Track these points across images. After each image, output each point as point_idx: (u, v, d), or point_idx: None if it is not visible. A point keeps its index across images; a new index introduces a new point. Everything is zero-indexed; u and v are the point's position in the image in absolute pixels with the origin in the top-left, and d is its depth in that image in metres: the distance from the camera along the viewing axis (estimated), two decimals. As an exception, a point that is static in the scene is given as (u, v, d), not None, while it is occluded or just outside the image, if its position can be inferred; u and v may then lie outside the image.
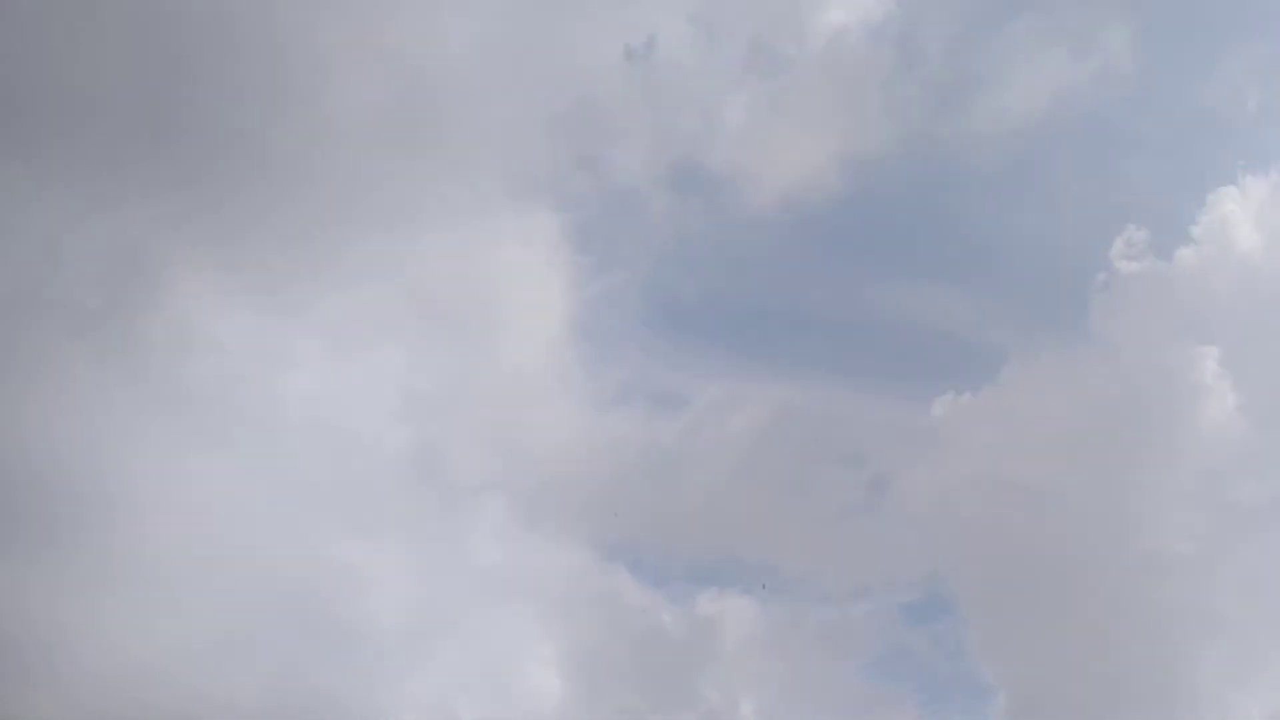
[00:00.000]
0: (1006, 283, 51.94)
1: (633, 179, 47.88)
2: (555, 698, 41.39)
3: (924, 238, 51.91)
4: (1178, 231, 45.18)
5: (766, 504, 47.24)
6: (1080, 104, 48.67)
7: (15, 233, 36.51)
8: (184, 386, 36.53)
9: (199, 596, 34.13)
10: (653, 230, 49.59)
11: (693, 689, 43.53)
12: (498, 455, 43.45)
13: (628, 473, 46.78)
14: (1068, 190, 50.63)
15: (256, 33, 39.15)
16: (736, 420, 49.65)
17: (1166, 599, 38.28)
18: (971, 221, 51.53)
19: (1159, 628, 38.10)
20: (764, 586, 44.99)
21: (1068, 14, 49.31)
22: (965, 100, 49.25)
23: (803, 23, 49.83)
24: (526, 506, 44.40)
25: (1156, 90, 49.52)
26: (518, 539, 43.47)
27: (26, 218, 36.60)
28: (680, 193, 49.63)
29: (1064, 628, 39.12)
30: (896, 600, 48.89)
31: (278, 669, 35.23)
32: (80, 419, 35.64)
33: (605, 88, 46.62)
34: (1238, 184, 44.76)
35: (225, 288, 38.05)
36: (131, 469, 34.90)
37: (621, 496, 45.60)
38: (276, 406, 38.07)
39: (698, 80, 48.08)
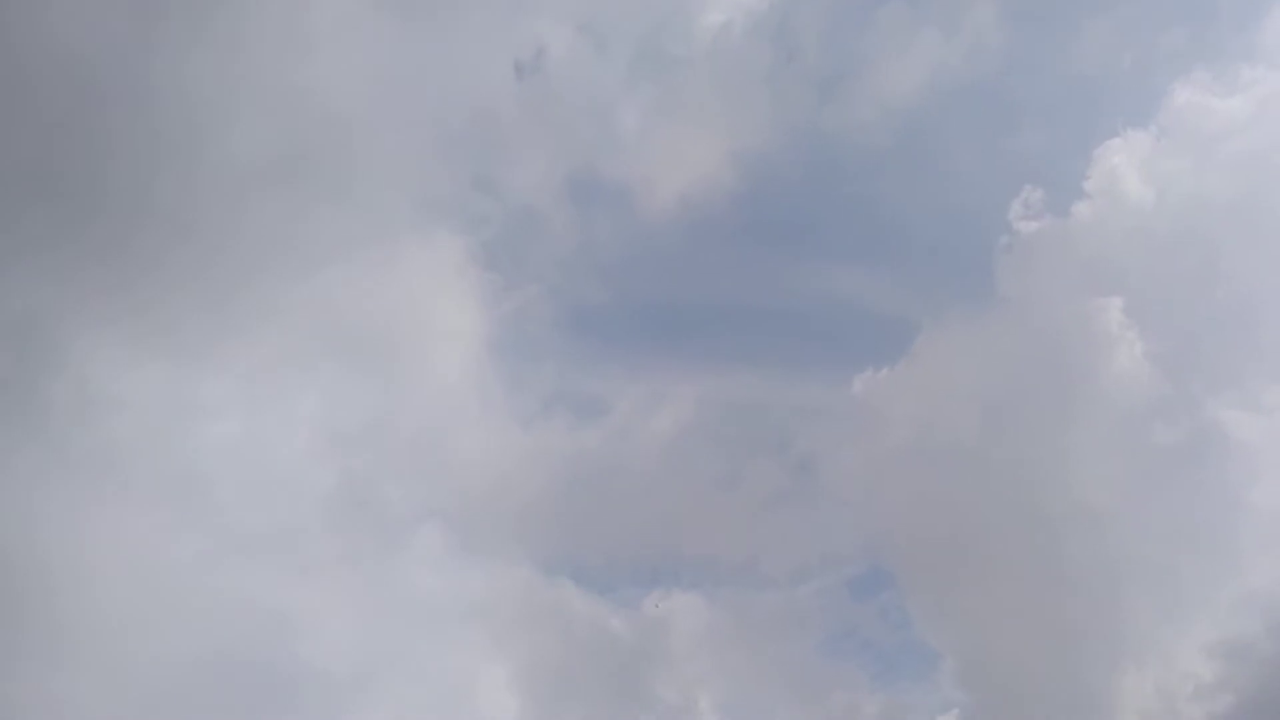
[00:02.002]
0: (911, 257, 52.76)
1: (532, 194, 47.94)
2: (512, 717, 41.23)
3: (825, 223, 52.66)
4: (1072, 188, 46.17)
5: (700, 499, 47.51)
6: (957, 79, 49.69)
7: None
8: (92, 446, 35.80)
9: (128, 658, 33.41)
10: (557, 242, 49.69)
11: (649, 691, 43.61)
12: (427, 482, 43.16)
13: (559, 484, 46.77)
14: (959, 161, 51.61)
15: (141, 80, 38.64)
16: (661, 419, 49.91)
17: (1098, 548, 38.97)
18: (869, 202, 52.36)
19: (1094, 577, 38.77)
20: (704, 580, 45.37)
21: (932, -2, 50.79)
22: (846, 87, 50.07)
23: (689, 22, 50.37)
24: (462, 530, 44.14)
25: (1028, 59, 50.79)
26: (457, 563, 43.20)
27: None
28: (580, 203, 49.81)
29: (1001, 587, 39.77)
30: (838, 579, 49.36)
31: (222, 721, 34.74)
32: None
33: (498, 104, 46.66)
34: (1122, 137, 45.95)
35: (126, 341, 37.33)
36: (38, 531, 34.12)
37: (555, 508, 45.60)
38: (193, 458, 37.43)
39: (589, 89, 48.35)
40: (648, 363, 53.53)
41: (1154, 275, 42.92)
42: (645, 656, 45.00)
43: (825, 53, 49.63)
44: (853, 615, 48.87)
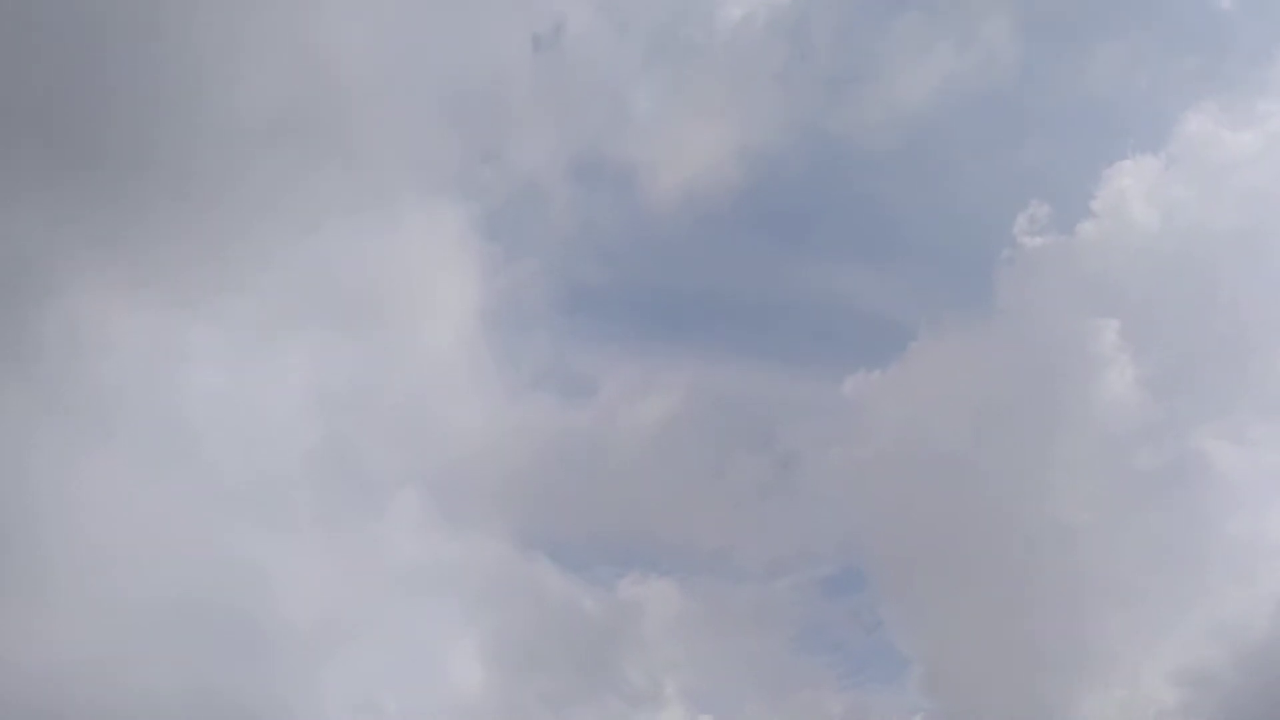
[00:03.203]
0: (912, 262, 52.79)
1: (538, 169, 47.82)
2: (480, 687, 41.40)
3: (827, 222, 52.65)
4: (1079, 206, 46.22)
5: (682, 486, 47.65)
6: (969, 89, 49.68)
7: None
8: (80, 388, 35.68)
9: (103, 601, 33.42)
10: (559, 220, 49.59)
11: (616, 672, 43.84)
12: (411, 448, 43.18)
13: (543, 460, 46.86)
14: (966, 170, 51.64)
15: (153, 29, 38.30)
16: (649, 404, 49.97)
17: (1072, 566, 39.22)
18: (873, 205, 52.37)
19: (1066, 595, 39.03)
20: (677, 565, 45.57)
21: (950, 8, 50.40)
22: (858, 89, 49.92)
23: (710, 12, 50.18)
24: (442, 498, 44.21)
25: (1042, 75, 50.80)
26: (435, 531, 43.30)
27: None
28: (585, 183, 49.69)
29: (975, 598, 40.03)
30: (813, 576, 49.60)
31: (191, 673, 34.66)
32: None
33: (511, 76, 46.45)
34: (1132, 160, 45.99)
35: (122, 288, 37.22)
36: (26, 472, 34.08)
37: (537, 484, 45.68)
38: (178, 406, 37.38)
39: (604, 69, 48.18)
40: (640, 347, 53.57)
41: (1152, 301, 43.08)
42: (615, 638, 45.24)
43: (840, 54, 49.56)
44: (825, 614, 49.17)
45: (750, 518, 48.66)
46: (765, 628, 47.91)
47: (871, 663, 48.50)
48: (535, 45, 46.66)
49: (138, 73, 36.92)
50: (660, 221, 50.36)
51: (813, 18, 48.53)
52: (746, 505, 48.73)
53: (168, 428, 37.17)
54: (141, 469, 36.12)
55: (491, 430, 44.29)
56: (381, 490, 42.58)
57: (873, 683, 47.21)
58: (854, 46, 49.64)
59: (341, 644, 38.98)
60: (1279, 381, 42.17)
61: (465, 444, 43.26)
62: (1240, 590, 39.70)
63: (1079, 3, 49.77)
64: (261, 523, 38.41)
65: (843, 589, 52.92)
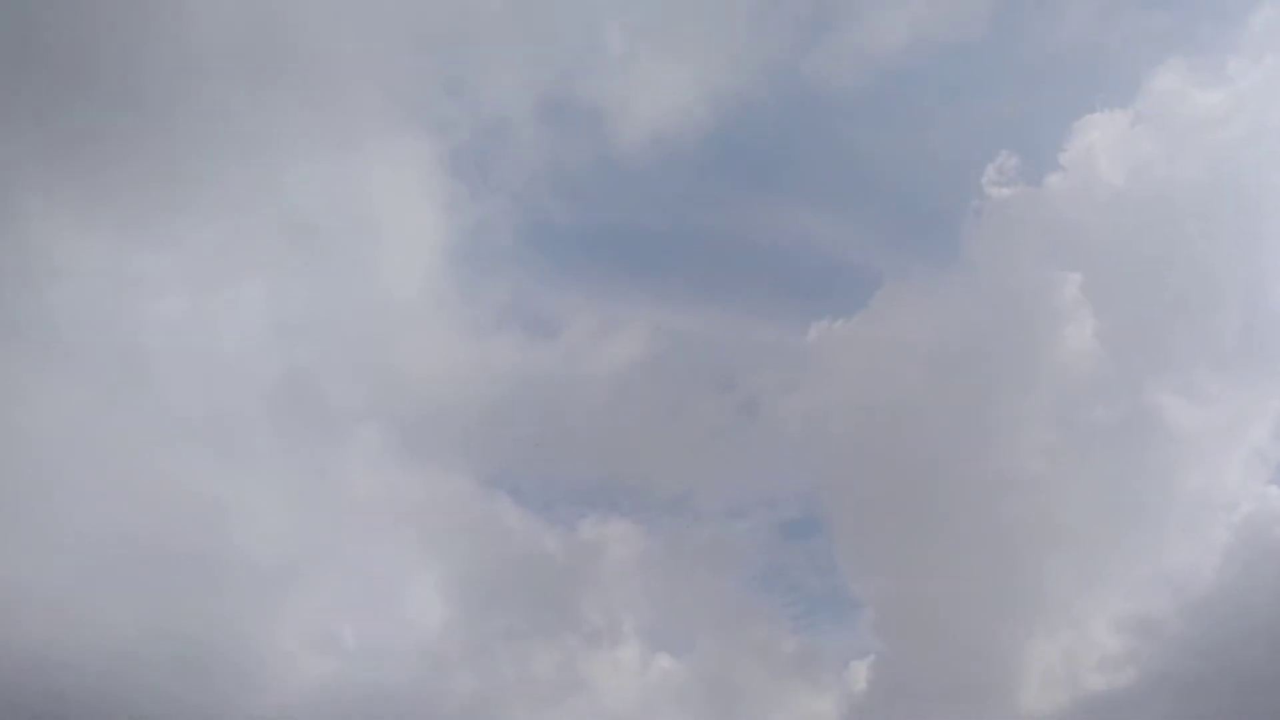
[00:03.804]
0: (880, 210, 52.76)
1: (506, 104, 47.00)
2: (439, 623, 41.57)
3: (796, 167, 52.36)
4: (1047, 159, 46.26)
5: (644, 428, 47.75)
6: (940, 40, 49.22)
7: None
8: (31, 314, 35.11)
9: (54, 532, 33.14)
10: (526, 157, 48.92)
11: (574, 610, 44.19)
12: (372, 384, 42.88)
13: (505, 399, 46.72)
14: (936, 119, 51.46)
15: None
16: (612, 345, 49.86)
17: (1022, 515, 39.79)
18: (842, 151, 52.11)
19: (1015, 543, 39.63)
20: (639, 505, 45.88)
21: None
22: (830, 35, 49.37)
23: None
24: (403, 435, 44.04)
25: (1014, 26, 50.46)
26: (395, 467, 43.18)
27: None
28: (553, 120, 48.96)
29: (928, 543, 40.52)
30: (771, 519, 50.09)
31: (146, 605, 34.50)
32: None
33: (480, 7, 45.49)
34: (1101, 114, 45.99)
35: (84, 218, 36.39)
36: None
37: (499, 422, 45.58)
38: (134, 334, 36.91)
39: (575, 6, 47.17)
40: (605, 288, 53.30)
41: (1114, 256, 43.31)
42: (574, 577, 45.51)
43: (808, 1, 49.07)
44: (781, 556, 49.74)
45: (711, 461, 48.91)
46: (722, 569, 48.42)
47: (825, 605, 49.23)
48: (504, -26, 45.60)
49: (114, 7, 35.96)
50: (628, 162, 49.83)
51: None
52: (707, 448, 48.96)
53: (121, 355, 36.76)
54: (94, 396, 35.68)
55: (454, 368, 44.09)
56: (341, 425, 42.33)
57: (825, 624, 47.99)
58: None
59: (300, 578, 38.97)
60: (1236, 338, 42.71)
61: (427, 381, 43.05)
62: (1188, 542, 40.56)
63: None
64: (219, 455, 38.14)
65: (799, 532, 53.42)
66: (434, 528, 43.54)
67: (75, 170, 37.08)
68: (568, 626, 43.65)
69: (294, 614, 38.60)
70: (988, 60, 50.56)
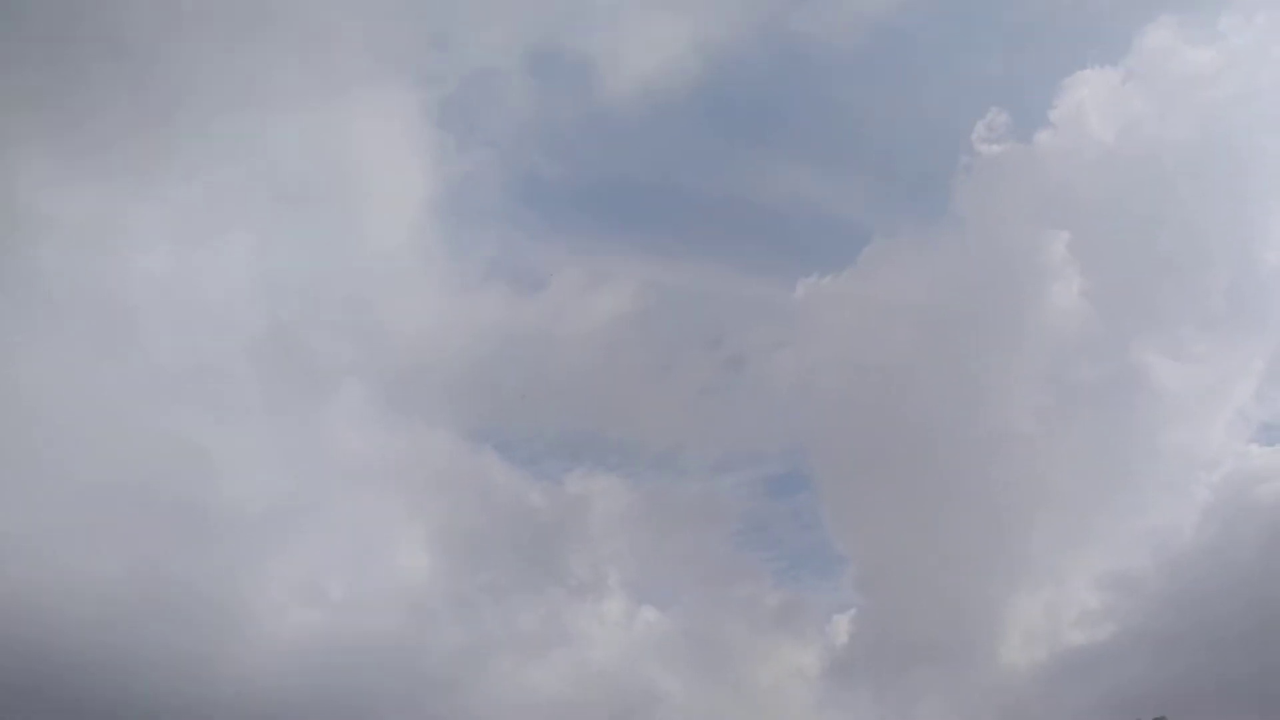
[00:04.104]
0: (870, 166, 52.51)
1: (492, 57, 46.55)
2: (425, 576, 41.78)
3: (786, 122, 52.02)
4: (1038, 115, 46.02)
5: (630, 384, 47.78)
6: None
7: None
8: (17, 265, 34.94)
9: (41, 481, 33.15)
10: (513, 109, 48.56)
11: (561, 564, 44.42)
12: (357, 338, 42.82)
13: (491, 353, 46.67)
14: (927, 75, 51.12)
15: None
16: (599, 300, 49.75)
17: (1006, 473, 40.03)
18: (833, 107, 51.78)
19: (1000, 501, 39.87)
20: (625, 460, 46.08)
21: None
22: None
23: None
24: (389, 389, 44.03)
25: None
26: (381, 422, 43.21)
27: None
28: (541, 73, 48.55)
29: (912, 502, 40.79)
30: (757, 475, 50.29)
31: (133, 554, 34.70)
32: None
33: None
34: (1092, 70, 45.73)
35: (69, 170, 36.07)
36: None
37: (485, 377, 45.56)
38: (123, 287, 36.77)
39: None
40: (592, 243, 53.12)
41: (1102, 215, 43.24)
42: (561, 531, 45.70)
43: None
44: (767, 512, 49.99)
45: (697, 416, 49.00)
46: (708, 524, 48.68)
47: (809, 560, 49.58)
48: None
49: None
50: (616, 115, 49.47)
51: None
52: (694, 404, 49.05)
53: (108, 307, 36.61)
54: (80, 348, 35.63)
55: (440, 322, 44.01)
56: (327, 380, 42.28)
57: (809, 579, 48.36)
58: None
59: (286, 531, 39.09)
60: (1223, 298, 42.74)
61: (412, 335, 42.99)
62: (1169, 500, 40.82)
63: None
64: (203, 408, 38.09)
65: (785, 488, 53.62)
66: (419, 481, 43.63)
67: (60, 123, 36.77)
68: (553, 580, 43.89)
69: (280, 565, 38.75)
70: (979, 17, 50.18)
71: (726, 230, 53.24)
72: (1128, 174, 43.89)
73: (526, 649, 41.04)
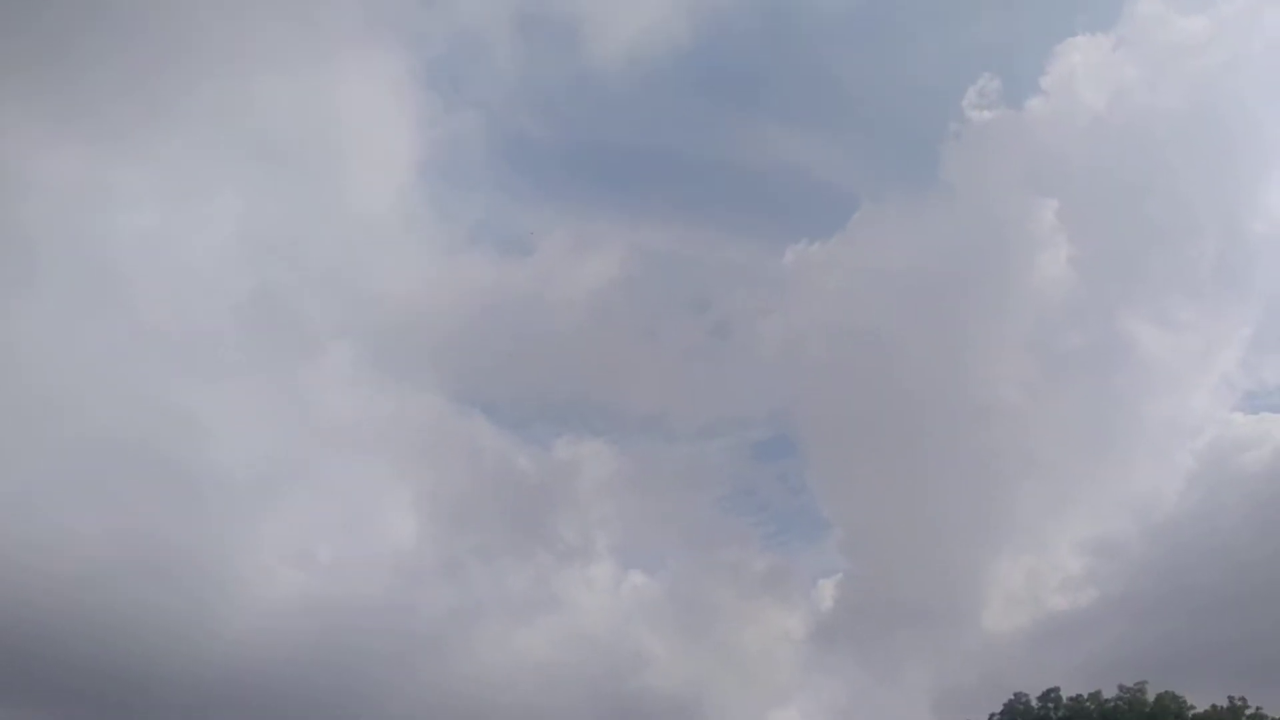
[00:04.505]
0: (860, 131, 52.46)
1: (481, 18, 46.46)
2: (413, 539, 41.94)
3: (775, 86, 51.86)
4: (1029, 82, 45.89)
5: (618, 348, 47.85)
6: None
7: None
8: (10, 227, 34.86)
9: (28, 442, 33.18)
10: (501, 71, 48.42)
11: (549, 528, 44.63)
12: (345, 300, 42.82)
13: (478, 317, 46.69)
14: (919, 40, 50.99)
15: None
16: (588, 264, 49.78)
17: (992, 440, 40.22)
18: (823, 71, 51.64)
19: (984, 467, 40.11)
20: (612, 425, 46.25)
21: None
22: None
23: None
24: (377, 352, 44.06)
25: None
26: (369, 385, 43.25)
27: None
28: (529, 35, 48.37)
29: (898, 466, 40.98)
30: (744, 440, 50.52)
31: (120, 515, 34.73)
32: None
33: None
34: (1082, 37, 45.56)
35: (55, 131, 35.90)
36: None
37: (472, 341, 45.62)
38: (110, 249, 36.69)
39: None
40: (579, 206, 53.13)
41: (1091, 182, 43.15)
42: (549, 495, 45.91)
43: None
44: (754, 477, 50.27)
45: (685, 381, 49.14)
46: (695, 488, 48.94)
47: (795, 524, 49.95)
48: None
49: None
50: (604, 78, 49.28)
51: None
52: (682, 369, 49.17)
53: (94, 268, 36.56)
54: (66, 309, 35.56)
55: (426, 285, 44.01)
56: (315, 342, 42.30)
57: (795, 543, 48.76)
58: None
59: (274, 494, 39.21)
60: (1210, 267, 42.81)
61: (399, 297, 42.99)
62: (1153, 467, 41.08)
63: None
64: (190, 370, 38.11)
65: (772, 453, 53.88)
66: (407, 444, 43.74)
67: (46, 83, 36.50)
68: (541, 544, 44.12)
69: (268, 527, 38.88)
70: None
71: (715, 195, 53.12)
72: (1117, 142, 43.85)
73: (515, 612, 41.33)
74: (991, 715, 29.60)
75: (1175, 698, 27.89)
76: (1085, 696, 28.72)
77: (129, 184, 37.29)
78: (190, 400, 36.98)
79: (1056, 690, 29.18)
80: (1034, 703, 28.99)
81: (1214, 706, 26.84)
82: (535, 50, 47.63)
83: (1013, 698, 29.41)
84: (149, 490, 35.57)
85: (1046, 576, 39.68)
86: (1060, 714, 28.61)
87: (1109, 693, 28.49)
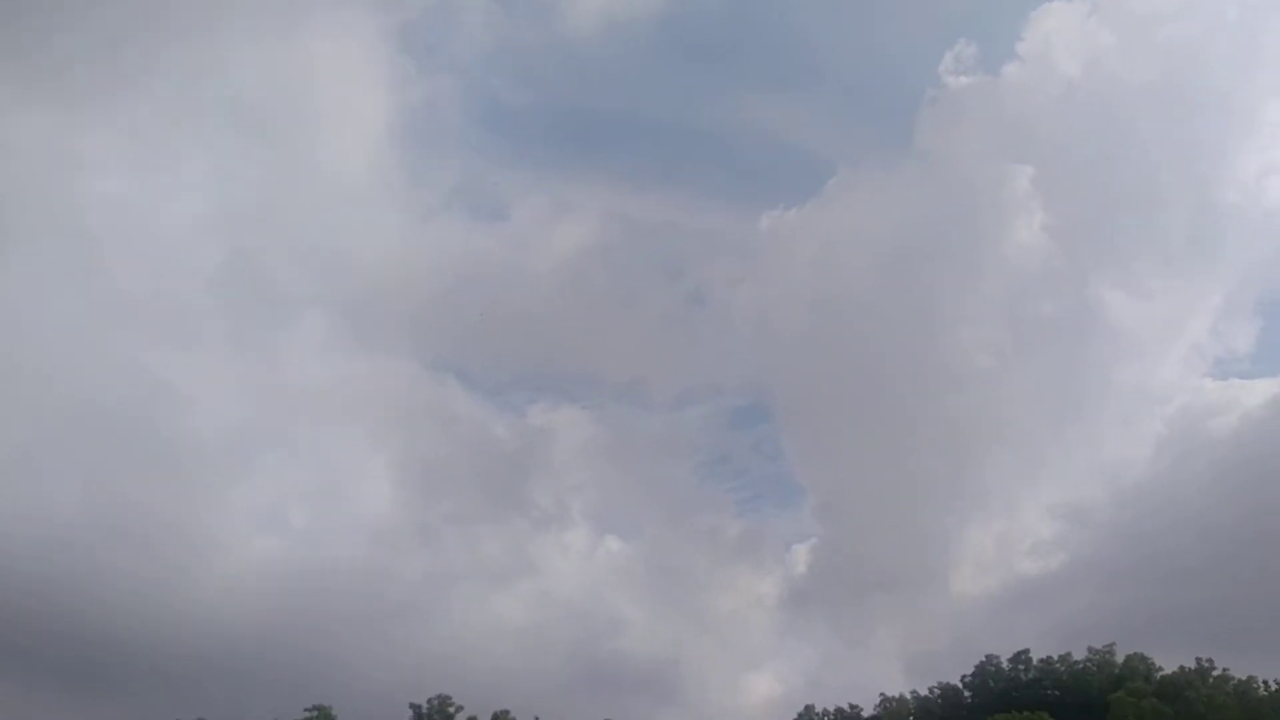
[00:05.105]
0: (836, 96, 52.38)
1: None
2: (388, 506, 42.10)
3: (751, 52, 51.64)
4: (1005, 48, 46.06)
5: (593, 315, 47.94)
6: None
7: None
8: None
9: (5, 407, 32.87)
10: (477, 36, 47.96)
11: (524, 495, 44.86)
12: (318, 267, 42.58)
13: (453, 283, 46.57)
14: (895, 4, 50.78)
15: None
16: (563, 230, 49.70)
17: (965, 407, 40.68)
18: (799, 35, 51.46)
19: (957, 434, 40.59)
20: (589, 392, 46.27)
21: None
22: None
23: None
24: (350, 319, 43.97)
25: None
26: (343, 351, 43.17)
27: None
28: (503, 0, 47.91)
29: (873, 432, 41.37)
30: (719, 408, 50.74)
31: (93, 482, 34.61)
32: None
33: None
34: (1058, 2, 45.73)
35: (23, 95, 35.22)
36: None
37: (447, 307, 45.52)
38: (77, 214, 36.17)
39: None
40: (554, 172, 52.81)
41: (1066, 149, 43.45)
42: (524, 462, 46.10)
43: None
44: (729, 444, 50.57)
45: (661, 349, 49.24)
46: (671, 455, 49.22)
47: (770, 491, 50.36)
48: None
49: None
50: (580, 43, 48.90)
51: None
52: (658, 336, 49.23)
53: (65, 234, 36.09)
54: (37, 275, 35.13)
55: (401, 251, 43.76)
56: (288, 309, 42.15)
57: (770, 509, 49.14)
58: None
59: (248, 460, 39.17)
60: (1182, 235, 43.18)
61: (373, 264, 42.76)
62: (1122, 433, 41.67)
63: None
64: (163, 337, 37.94)
65: (747, 420, 54.10)
66: (382, 411, 43.68)
67: (14, 49, 35.83)
68: (517, 510, 44.32)
69: (243, 493, 38.89)
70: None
71: (691, 162, 52.94)
72: (1092, 110, 44.10)
73: (490, 578, 41.56)
74: (963, 677, 30.15)
75: (1144, 659, 28.43)
76: (1055, 658, 29.26)
77: (99, 150, 36.85)
78: (163, 366, 36.86)
79: (1027, 652, 29.73)
80: (1005, 665, 29.48)
81: (1181, 668, 27.35)
82: (510, 15, 47.19)
83: (984, 660, 29.90)
84: (122, 456, 35.52)
85: (1017, 541, 40.30)
86: (1031, 675, 29.12)
87: (1079, 655, 29.08)
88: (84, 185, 37.28)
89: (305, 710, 27.17)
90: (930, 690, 29.76)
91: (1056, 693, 28.20)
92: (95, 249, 37.41)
